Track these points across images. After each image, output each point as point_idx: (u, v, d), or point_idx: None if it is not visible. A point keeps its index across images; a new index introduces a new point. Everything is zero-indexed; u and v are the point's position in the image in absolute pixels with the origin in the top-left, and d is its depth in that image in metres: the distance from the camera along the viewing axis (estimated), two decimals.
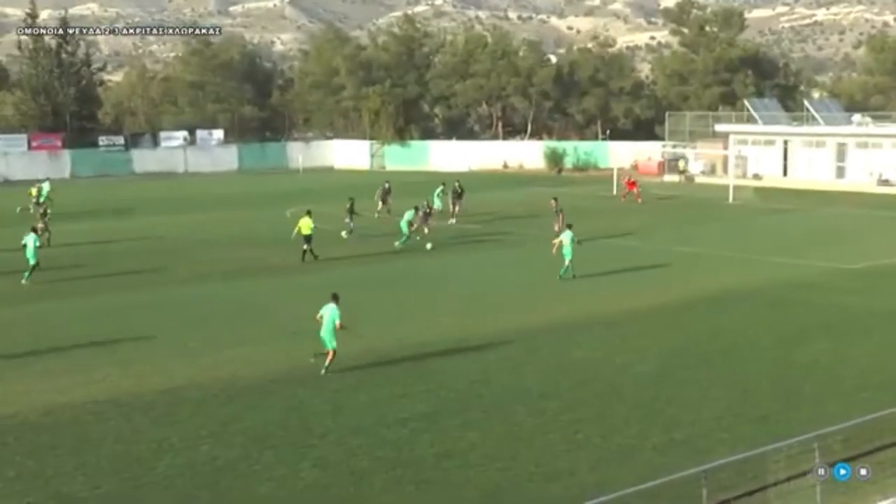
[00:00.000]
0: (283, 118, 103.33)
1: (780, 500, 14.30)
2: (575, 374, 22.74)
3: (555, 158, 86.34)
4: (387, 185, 53.65)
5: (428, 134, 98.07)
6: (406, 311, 29.59)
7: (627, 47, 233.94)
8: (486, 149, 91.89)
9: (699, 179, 74.95)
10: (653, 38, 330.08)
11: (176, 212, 56.12)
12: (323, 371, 22.36)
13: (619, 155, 73.29)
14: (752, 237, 45.86)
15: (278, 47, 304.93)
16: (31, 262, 34.26)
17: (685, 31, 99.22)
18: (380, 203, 52.64)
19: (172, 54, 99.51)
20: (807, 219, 53.11)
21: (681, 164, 76.79)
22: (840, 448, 16.39)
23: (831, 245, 42.30)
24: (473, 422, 19.37)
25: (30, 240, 34.55)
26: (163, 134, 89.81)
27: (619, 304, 30.29)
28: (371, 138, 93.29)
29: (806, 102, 79.34)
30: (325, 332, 22.33)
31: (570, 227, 35.08)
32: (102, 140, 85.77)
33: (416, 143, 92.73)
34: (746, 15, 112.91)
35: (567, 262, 34.04)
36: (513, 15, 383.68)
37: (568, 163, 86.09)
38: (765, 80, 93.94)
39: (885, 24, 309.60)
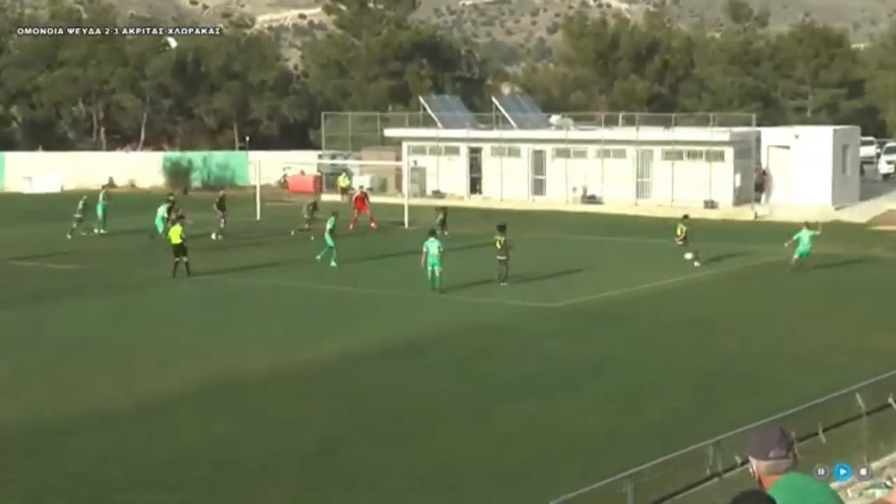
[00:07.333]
0: None
1: None
2: (214, 453, 22.66)
3: (178, 173, 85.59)
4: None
5: (3, 143, 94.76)
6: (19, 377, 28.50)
7: (270, 28, 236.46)
8: (84, 162, 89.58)
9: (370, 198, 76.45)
10: (303, 16, 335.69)
11: None
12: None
13: (263, 168, 73.52)
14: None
15: None
16: None
17: (343, 8, 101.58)
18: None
19: None
20: None
21: (342, 179, 77.92)
22: None
23: (528, 279, 44.34)
24: None
25: None
26: None
27: (271, 360, 30.45)
28: None
29: (495, 100, 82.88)
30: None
31: (433, 233, 42.42)
32: None
33: None
34: None
35: (434, 271, 40.22)
36: None
37: (196, 179, 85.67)
38: (444, 71, 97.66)
39: (584, 3, 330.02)
